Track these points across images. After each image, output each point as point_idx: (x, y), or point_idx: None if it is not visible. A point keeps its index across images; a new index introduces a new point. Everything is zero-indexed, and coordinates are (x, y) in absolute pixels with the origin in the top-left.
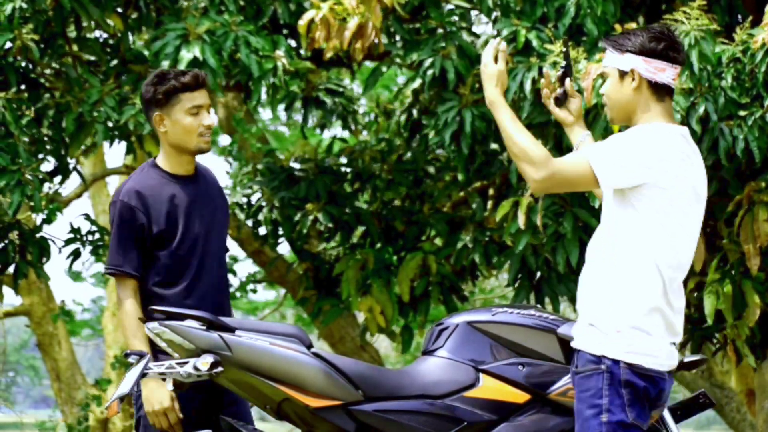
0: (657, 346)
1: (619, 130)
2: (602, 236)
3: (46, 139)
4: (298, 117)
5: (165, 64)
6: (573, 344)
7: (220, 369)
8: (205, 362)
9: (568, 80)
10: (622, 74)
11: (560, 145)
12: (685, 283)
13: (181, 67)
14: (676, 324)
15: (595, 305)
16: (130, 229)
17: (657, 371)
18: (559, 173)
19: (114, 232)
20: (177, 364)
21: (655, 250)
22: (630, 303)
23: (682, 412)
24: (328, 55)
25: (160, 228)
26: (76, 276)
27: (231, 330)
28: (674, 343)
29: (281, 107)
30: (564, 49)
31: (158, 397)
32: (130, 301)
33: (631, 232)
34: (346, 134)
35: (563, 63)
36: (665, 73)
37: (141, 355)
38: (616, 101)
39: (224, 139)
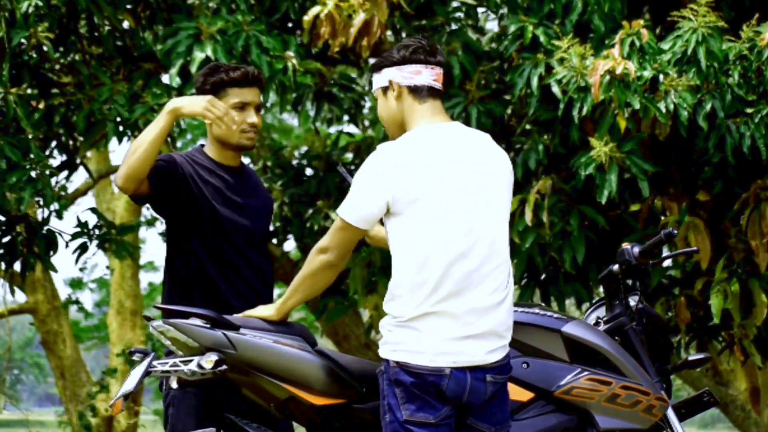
0: (426, 343)
1: (626, 127)
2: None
3: (56, 134)
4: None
5: (177, 63)
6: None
7: (224, 367)
8: (209, 360)
9: None
10: (384, 90)
11: (566, 142)
12: (692, 282)
13: (193, 67)
14: (461, 320)
15: (389, 306)
16: (167, 173)
17: (427, 367)
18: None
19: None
20: (181, 362)
21: (418, 252)
22: (397, 304)
23: (687, 411)
24: (335, 50)
25: (193, 200)
26: (76, 284)
27: (235, 328)
28: (466, 338)
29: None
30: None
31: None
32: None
33: (398, 236)
34: (352, 129)
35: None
36: (422, 75)
37: (145, 353)
38: (388, 118)
39: None
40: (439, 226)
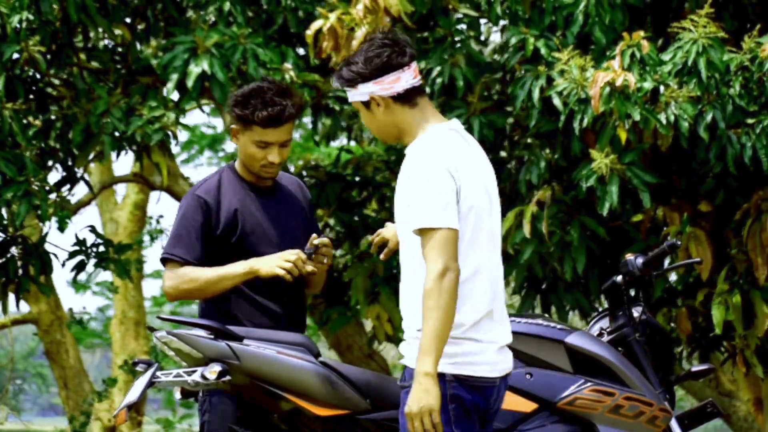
0: (487, 353)
1: (627, 138)
2: (417, 245)
3: (53, 149)
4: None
5: (173, 76)
6: (401, 360)
7: (227, 378)
8: (212, 371)
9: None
10: (366, 104)
11: (567, 153)
12: (694, 293)
13: (190, 80)
14: (502, 329)
15: (418, 316)
16: (195, 222)
17: (488, 379)
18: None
19: (177, 222)
20: (185, 372)
21: (471, 259)
22: (457, 310)
23: (690, 422)
24: (337, 61)
25: (226, 223)
26: (79, 286)
27: (239, 339)
28: (503, 347)
29: None
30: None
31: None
32: (169, 283)
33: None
34: (352, 144)
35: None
36: (400, 81)
37: (149, 364)
38: (378, 129)
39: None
40: (484, 232)
